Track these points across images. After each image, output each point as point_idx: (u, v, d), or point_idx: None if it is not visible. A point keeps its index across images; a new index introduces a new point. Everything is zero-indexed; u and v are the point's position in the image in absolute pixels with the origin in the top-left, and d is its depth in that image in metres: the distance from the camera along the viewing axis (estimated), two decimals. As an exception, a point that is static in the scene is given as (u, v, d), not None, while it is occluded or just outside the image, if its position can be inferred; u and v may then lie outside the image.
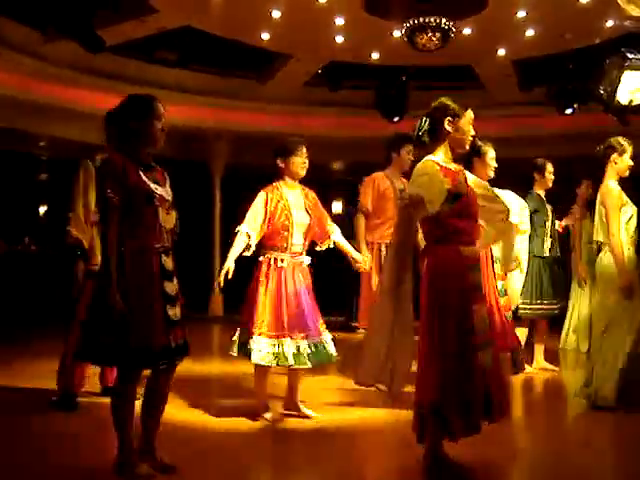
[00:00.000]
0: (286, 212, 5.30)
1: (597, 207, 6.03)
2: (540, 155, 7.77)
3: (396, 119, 10.51)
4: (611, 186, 5.94)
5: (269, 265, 5.27)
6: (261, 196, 5.32)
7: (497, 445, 4.55)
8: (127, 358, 3.81)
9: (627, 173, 6.05)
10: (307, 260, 5.44)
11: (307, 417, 5.37)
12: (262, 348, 5.12)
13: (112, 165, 3.88)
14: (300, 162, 5.38)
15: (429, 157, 4.07)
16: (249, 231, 5.24)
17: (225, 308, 12.28)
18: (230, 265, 5.17)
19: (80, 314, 5.37)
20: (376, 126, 10.61)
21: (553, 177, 7.41)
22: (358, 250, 6.60)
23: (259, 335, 5.13)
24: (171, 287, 3.96)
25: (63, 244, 5.43)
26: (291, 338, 5.17)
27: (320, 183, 13.32)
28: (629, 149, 6.06)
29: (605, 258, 5.89)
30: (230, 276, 5.15)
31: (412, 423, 4.03)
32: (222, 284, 5.17)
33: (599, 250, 6.04)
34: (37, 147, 10.98)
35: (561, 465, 4.40)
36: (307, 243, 5.44)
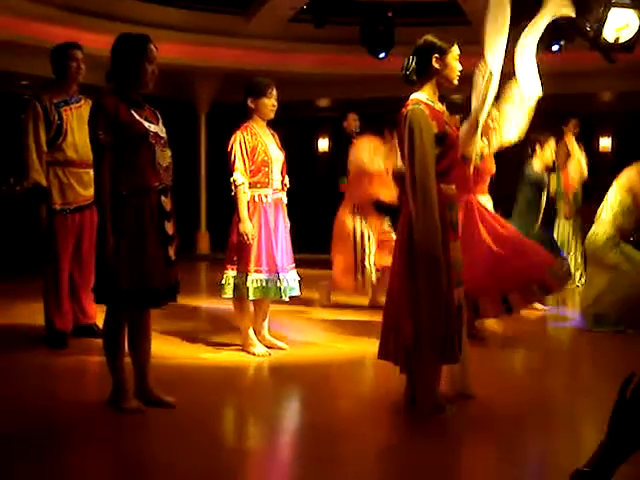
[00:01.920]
0: (264, 148, 5.33)
1: (619, 191, 6.17)
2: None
3: (382, 55, 10.42)
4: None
5: (254, 202, 5.31)
6: (237, 139, 5.31)
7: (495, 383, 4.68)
8: (130, 299, 3.88)
9: None
10: (285, 197, 5.53)
11: (281, 349, 5.55)
12: (258, 284, 5.26)
13: (103, 106, 3.87)
14: (270, 104, 5.38)
15: (416, 96, 4.05)
16: (243, 178, 5.26)
17: (212, 246, 12.32)
18: (249, 226, 5.21)
19: (53, 253, 5.42)
20: (362, 62, 10.54)
21: (554, 154, 7.41)
22: None
23: (255, 272, 5.25)
24: (169, 227, 3.99)
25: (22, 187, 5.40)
26: (282, 272, 5.32)
27: (306, 120, 13.36)
28: None
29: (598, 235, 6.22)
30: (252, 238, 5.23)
31: (382, 353, 4.14)
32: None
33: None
34: (20, 86, 10.83)
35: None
36: (283, 180, 5.50)
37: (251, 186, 5.32)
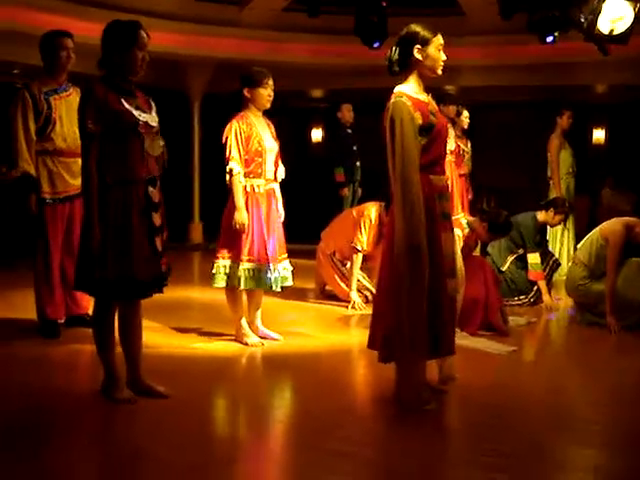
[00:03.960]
0: (258, 139, 5.32)
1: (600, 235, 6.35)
2: (520, 83, 7.74)
3: (376, 45, 10.39)
4: None
5: (247, 192, 5.30)
6: (233, 128, 5.30)
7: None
8: (114, 289, 3.87)
9: None
10: (277, 187, 5.52)
11: (275, 339, 5.56)
12: (249, 274, 5.27)
13: (92, 95, 3.85)
14: (266, 94, 5.36)
15: (399, 88, 4.03)
16: (239, 168, 5.25)
17: (205, 236, 12.30)
18: (245, 216, 5.21)
19: (43, 242, 5.41)
20: (356, 52, 10.49)
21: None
22: None
23: (247, 262, 5.26)
24: (157, 218, 3.97)
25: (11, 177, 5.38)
26: (273, 263, 5.32)
27: (299, 110, 13.32)
28: None
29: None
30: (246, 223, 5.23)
31: (371, 343, 4.17)
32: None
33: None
34: (12, 75, 10.76)
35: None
36: (276, 170, 5.48)
37: (244, 176, 5.30)
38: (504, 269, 7.27)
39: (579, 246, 6.70)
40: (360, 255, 6.90)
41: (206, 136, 12.14)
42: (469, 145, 8.29)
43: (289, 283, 5.53)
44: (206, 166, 12.14)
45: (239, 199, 5.22)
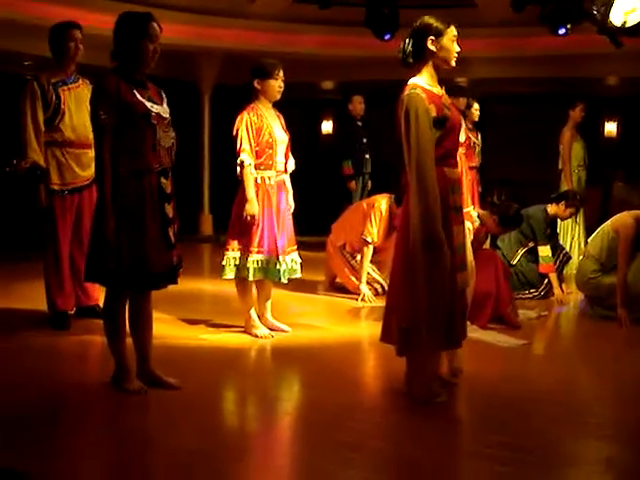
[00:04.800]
0: (269, 130, 5.32)
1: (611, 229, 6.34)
2: (532, 75, 7.69)
3: (387, 37, 10.35)
4: None
5: (257, 184, 5.30)
6: (244, 120, 5.30)
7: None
8: (128, 279, 3.87)
9: None
10: (288, 179, 5.52)
11: (284, 331, 5.57)
12: (258, 265, 5.28)
13: (105, 87, 3.85)
14: (277, 85, 5.36)
15: (414, 81, 4.02)
16: (250, 160, 5.25)
17: (215, 228, 12.31)
18: (256, 207, 5.21)
19: (53, 233, 5.41)
20: (367, 44, 10.46)
21: None
22: None
23: (256, 253, 5.27)
24: (169, 209, 3.97)
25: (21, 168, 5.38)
26: (282, 254, 5.32)
27: (310, 102, 13.29)
28: None
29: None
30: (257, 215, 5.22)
31: (384, 336, 4.16)
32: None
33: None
34: (22, 67, 10.77)
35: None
36: (286, 162, 5.48)
37: (255, 168, 5.30)
38: (514, 262, 7.26)
39: (590, 240, 6.68)
40: (370, 247, 6.90)
41: (216, 127, 12.13)
42: (479, 137, 8.26)
43: (297, 275, 5.53)
44: (216, 158, 12.14)
45: (250, 190, 5.22)
